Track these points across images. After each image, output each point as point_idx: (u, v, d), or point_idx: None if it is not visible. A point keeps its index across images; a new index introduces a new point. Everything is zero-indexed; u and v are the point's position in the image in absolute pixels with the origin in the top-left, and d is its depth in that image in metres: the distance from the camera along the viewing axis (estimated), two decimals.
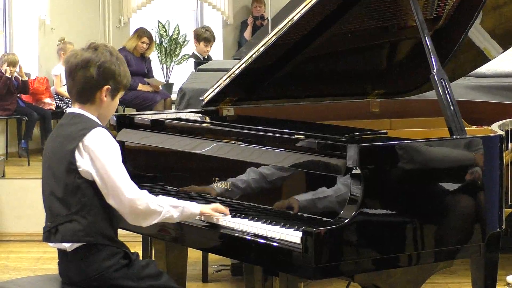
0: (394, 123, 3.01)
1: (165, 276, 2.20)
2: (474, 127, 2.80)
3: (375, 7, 2.72)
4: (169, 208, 2.12)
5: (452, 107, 2.27)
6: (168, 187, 2.50)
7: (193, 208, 2.17)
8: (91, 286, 2.10)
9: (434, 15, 2.85)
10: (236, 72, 2.67)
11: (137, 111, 6.48)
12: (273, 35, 2.56)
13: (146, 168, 2.61)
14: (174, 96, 6.42)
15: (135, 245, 2.70)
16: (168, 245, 2.71)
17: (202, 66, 5.33)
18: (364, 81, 3.07)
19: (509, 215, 2.50)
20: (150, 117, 2.67)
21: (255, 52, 2.61)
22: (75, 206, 2.08)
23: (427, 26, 2.41)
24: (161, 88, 7.17)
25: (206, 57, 6.83)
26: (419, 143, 2.12)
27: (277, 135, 2.24)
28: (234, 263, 3.56)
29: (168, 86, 7.75)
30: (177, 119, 2.66)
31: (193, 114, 2.85)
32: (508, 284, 3.46)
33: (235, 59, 5.79)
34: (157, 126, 2.61)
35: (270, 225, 2.09)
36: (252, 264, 2.44)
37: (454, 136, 2.23)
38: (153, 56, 7.64)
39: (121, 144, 2.61)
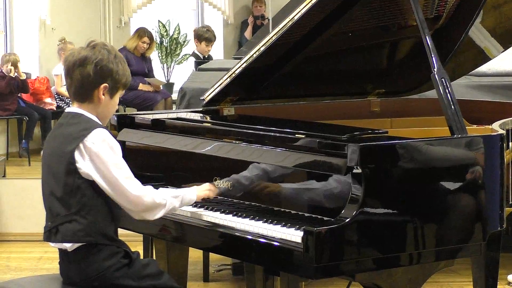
0: (395, 122, 3.01)
1: (165, 275, 2.21)
2: (474, 126, 2.80)
3: (376, 6, 2.72)
4: (171, 199, 2.16)
5: (452, 106, 2.26)
6: (169, 187, 2.50)
7: (190, 195, 2.22)
8: (92, 285, 2.10)
9: (435, 14, 2.85)
10: (236, 72, 2.67)
11: (137, 111, 6.49)
12: (274, 35, 2.57)
13: (147, 167, 2.61)
14: (174, 96, 6.42)
15: (136, 245, 2.70)
16: (169, 245, 2.71)
17: (202, 66, 5.34)
18: (364, 81, 3.08)
19: (510, 214, 2.50)
20: (151, 116, 2.67)
21: (256, 51, 2.61)
22: (75, 206, 2.08)
23: (427, 25, 2.40)
24: (161, 88, 7.18)
25: (206, 56, 6.83)
26: (419, 143, 2.12)
27: (278, 134, 2.24)
28: (235, 262, 3.56)
29: (169, 85, 7.75)
30: (177, 118, 2.66)
31: (193, 113, 2.85)
32: (509, 283, 3.47)
33: (235, 58, 5.79)
34: (158, 126, 2.61)
35: (271, 225, 2.09)
36: (253, 263, 2.44)
37: (455, 136, 2.23)
38: (154, 56, 7.65)
39: (122, 144, 2.62)
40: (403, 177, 2.07)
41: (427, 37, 2.35)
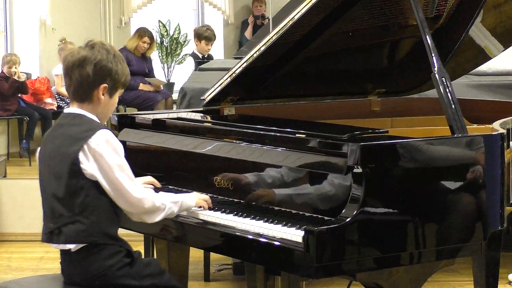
0: (395, 122, 3.02)
1: (167, 274, 2.21)
2: (475, 126, 2.80)
3: (376, 6, 2.73)
4: (170, 204, 2.17)
5: (453, 106, 2.26)
6: (170, 187, 2.50)
7: (190, 201, 2.23)
8: (93, 285, 2.11)
9: (435, 14, 2.85)
10: (237, 72, 2.68)
11: (138, 110, 6.49)
12: (274, 35, 2.57)
13: (147, 167, 2.61)
14: (175, 96, 6.43)
15: (137, 245, 2.69)
16: (170, 245, 2.71)
17: (203, 66, 5.34)
18: (365, 80, 3.08)
19: (510, 214, 2.50)
20: (151, 116, 2.67)
21: (256, 51, 2.61)
22: (78, 207, 2.08)
23: (427, 25, 2.40)
24: (162, 88, 7.18)
25: (206, 56, 6.83)
26: (420, 142, 2.12)
27: (278, 134, 2.24)
28: (236, 262, 3.56)
29: (169, 85, 7.76)
30: (178, 118, 2.66)
31: (194, 113, 2.85)
32: (509, 282, 3.47)
33: (236, 58, 5.79)
34: (159, 125, 2.61)
35: (272, 224, 2.09)
36: (253, 263, 2.44)
37: (455, 135, 2.23)
38: (154, 56, 7.65)
39: (123, 143, 2.61)
40: (403, 176, 2.07)
41: (427, 36, 2.35)
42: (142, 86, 6.90)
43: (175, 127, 2.57)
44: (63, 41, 6.75)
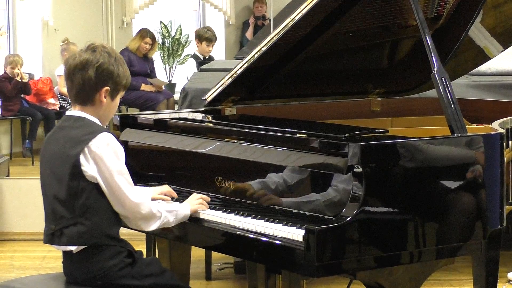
0: (395, 121, 3.02)
1: (168, 274, 2.22)
2: (474, 126, 2.80)
3: (376, 6, 2.73)
4: (166, 213, 2.17)
5: (452, 106, 2.27)
6: (172, 186, 2.51)
7: (184, 210, 2.22)
8: (95, 285, 2.12)
9: (435, 14, 2.85)
10: (238, 72, 2.69)
11: (140, 111, 6.50)
12: (275, 35, 2.57)
13: (149, 167, 2.63)
14: (176, 96, 6.44)
15: (139, 244, 2.71)
16: (172, 244, 2.72)
17: (204, 66, 5.35)
18: (365, 80, 3.08)
19: (509, 213, 2.51)
20: (153, 116, 2.68)
21: (257, 52, 2.62)
22: (79, 208, 2.09)
23: (427, 25, 2.40)
24: (163, 88, 7.19)
25: (207, 57, 6.85)
26: (420, 142, 2.12)
27: (279, 134, 2.25)
28: (237, 261, 3.57)
29: (171, 86, 7.77)
30: (179, 118, 2.67)
31: (195, 113, 2.85)
32: (509, 280, 3.47)
33: (237, 59, 5.80)
34: (160, 125, 2.62)
35: (273, 223, 2.10)
36: (255, 262, 2.44)
37: (455, 135, 2.24)
38: (156, 57, 7.66)
39: (125, 143, 2.63)
40: (403, 176, 2.07)
41: (427, 37, 2.36)
42: (144, 87, 6.91)
43: (177, 127, 2.58)
44: (66, 42, 6.76)
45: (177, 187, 2.49)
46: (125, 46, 7.06)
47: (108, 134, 2.10)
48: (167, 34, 8.33)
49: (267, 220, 2.13)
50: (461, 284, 3.47)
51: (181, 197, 2.35)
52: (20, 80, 6.28)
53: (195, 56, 6.89)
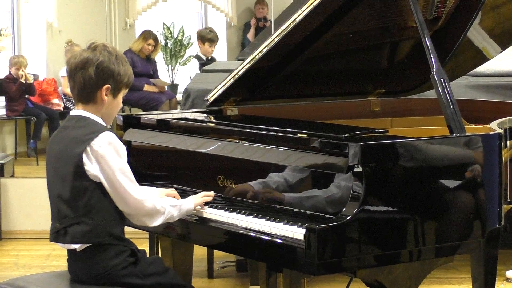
0: (395, 122, 3.03)
1: (171, 272, 2.23)
2: (473, 126, 2.80)
3: (376, 8, 2.74)
4: (170, 208, 2.18)
5: (451, 106, 2.28)
6: (174, 186, 2.53)
7: (188, 204, 2.24)
8: (98, 283, 2.13)
9: (434, 16, 2.86)
10: (239, 73, 2.70)
11: (143, 111, 6.53)
12: (276, 36, 2.58)
13: (152, 167, 2.64)
14: (179, 97, 6.46)
15: (142, 243, 2.73)
16: (174, 242, 2.72)
17: (206, 67, 5.37)
18: (365, 81, 3.09)
19: (508, 211, 2.52)
20: (156, 117, 2.69)
21: (258, 53, 2.63)
22: (83, 208, 2.10)
23: (427, 27, 2.41)
24: (166, 89, 7.22)
25: (210, 58, 6.87)
26: (419, 141, 2.13)
27: (280, 134, 2.26)
28: (239, 259, 3.58)
29: (173, 86, 7.80)
30: (182, 119, 2.67)
31: (198, 114, 2.86)
32: (507, 279, 3.48)
33: (238, 60, 5.82)
34: (163, 126, 2.63)
35: (274, 222, 2.11)
36: (256, 260, 2.46)
37: (454, 134, 2.24)
38: (159, 58, 7.69)
39: (128, 143, 2.66)
40: (403, 175, 2.08)
41: (426, 38, 2.37)
42: (146, 87, 6.94)
43: (179, 127, 2.59)
44: (70, 43, 6.79)
45: (180, 187, 2.51)
46: (128, 48, 7.09)
47: (110, 133, 2.11)
48: (169, 36, 8.36)
49: (268, 219, 2.14)
50: (460, 282, 3.47)
51: (184, 197, 2.37)
52: (24, 82, 6.32)
53: (197, 57, 6.92)
